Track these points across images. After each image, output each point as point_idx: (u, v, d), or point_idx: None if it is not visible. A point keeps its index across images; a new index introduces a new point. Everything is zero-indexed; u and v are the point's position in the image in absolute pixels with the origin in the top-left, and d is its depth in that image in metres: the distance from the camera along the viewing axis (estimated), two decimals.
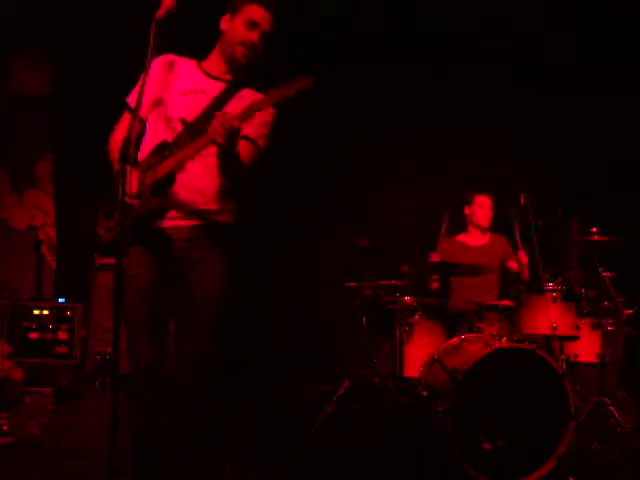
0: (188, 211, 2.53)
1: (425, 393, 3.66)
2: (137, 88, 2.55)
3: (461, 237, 4.97)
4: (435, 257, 4.69)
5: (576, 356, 4.20)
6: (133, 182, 2.45)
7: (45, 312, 5.41)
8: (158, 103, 2.62)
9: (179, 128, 2.53)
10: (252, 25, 2.57)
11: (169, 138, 2.54)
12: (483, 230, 4.89)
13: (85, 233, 5.72)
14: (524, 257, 4.80)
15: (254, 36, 2.58)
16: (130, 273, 2.36)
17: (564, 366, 3.98)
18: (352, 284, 4.69)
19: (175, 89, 2.61)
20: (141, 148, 2.61)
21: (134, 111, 2.42)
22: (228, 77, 2.66)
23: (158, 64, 2.61)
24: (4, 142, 6.16)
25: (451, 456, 3.21)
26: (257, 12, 2.58)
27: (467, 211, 4.92)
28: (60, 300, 5.62)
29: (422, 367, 3.82)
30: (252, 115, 2.37)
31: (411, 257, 4.78)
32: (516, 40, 5.66)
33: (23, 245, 6.11)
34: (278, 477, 3.31)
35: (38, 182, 6.30)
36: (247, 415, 4.31)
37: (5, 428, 3.64)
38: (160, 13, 2.48)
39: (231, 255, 2.66)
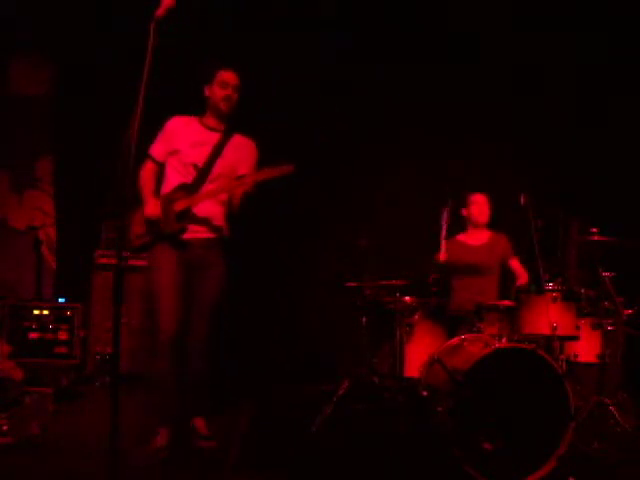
0: (203, 228, 3.65)
1: (425, 393, 3.66)
2: (160, 142, 3.72)
3: (461, 237, 4.97)
4: (442, 256, 4.67)
5: (576, 356, 4.20)
6: (152, 204, 3.60)
7: (45, 312, 5.42)
8: (175, 152, 3.66)
9: (192, 171, 3.64)
10: (224, 85, 3.68)
11: (186, 180, 3.64)
12: (481, 227, 4.89)
13: (85, 233, 5.75)
14: (516, 264, 4.82)
15: (229, 92, 3.67)
16: (160, 266, 3.58)
17: (564, 366, 3.97)
18: (352, 284, 4.69)
19: (187, 142, 3.66)
20: (164, 184, 3.70)
21: (158, 163, 3.71)
22: (222, 127, 3.74)
23: (176, 124, 3.70)
24: (4, 142, 6.16)
25: (451, 456, 3.21)
26: (225, 75, 3.69)
27: (464, 212, 4.94)
28: (60, 300, 5.62)
29: (422, 367, 3.82)
30: (246, 183, 3.53)
31: (411, 257, 4.78)
32: (515, 40, 5.67)
33: (23, 245, 6.12)
34: (279, 477, 3.31)
35: (38, 182, 6.30)
36: (248, 415, 4.31)
37: (5, 428, 3.63)
38: (160, 12, 2.55)
39: (226, 260, 3.75)
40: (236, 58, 5.63)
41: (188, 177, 3.63)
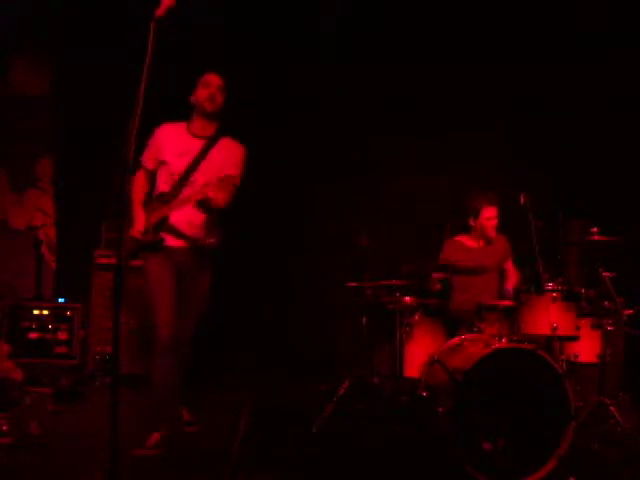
0: (184, 238, 3.65)
1: (425, 393, 3.66)
2: (150, 151, 3.74)
3: (462, 238, 4.94)
4: (437, 276, 4.69)
5: (576, 356, 4.19)
6: (141, 220, 3.64)
7: (45, 312, 5.42)
8: (163, 163, 3.68)
9: (176, 179, 3.63)
10: (207, 85, 3.68)
11: (167, 189, 3.64)
12: (489, 240, 4.80)
13: (85, 233, 5.75)
14: (509, 265, 4.81)
15: (212, 90, 3.66)
16: (155, 278, 3.62)
17: (564, 366, 3.97)
18: (352, 284, 4.68)
19: (173, 152, 3.66)
20: (153, 195, 3.72)
21: (149, 171, 3.76)
22: (209, 132, 3.71)
23: (165, 133, 3.70)
24: (4, 142, 6.16)
25: (451, 456, 3.21)
26: (207, 77, 3.70)
27: (472, 222, 4.73)
28: (60, 300, 5.62)
29: (422, 367, 3.82)
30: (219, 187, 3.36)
31: (411, 257, 4.78)
32: (515, 38, 5.67)
33: (23, 245, 6.11)
34: (278, 477, 3.31)
35: (38, 182, 6.29)
36: (248, 415, 4.30)
37: (5, 428, 3.64)
38: (160, 12, 2.56)
39: (212, 268, 3.76)
40: (235, 59, 5.66)
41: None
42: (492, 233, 4.73)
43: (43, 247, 6.14)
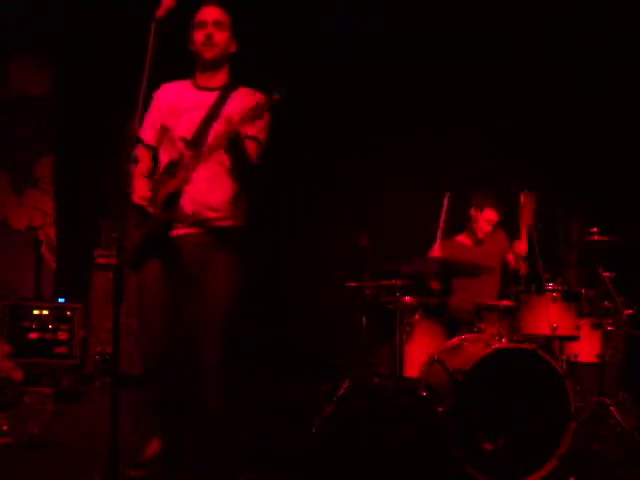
0: (195, 222, 2.88)
1: (425, 393, 3.66)
2: (149, 119, 2.96)
3: (461, 238, 4.96)
4: (436, 252, 4.66)
5: (576, 356, 4.19)
6: (142, 186, 2.83)
7: (45, 312, 5.42)
8: (166, 130, 2.94)
9: (181, 146, 2.84)
10: (200, 25, 2.90)
11: (176, 157, 2.86)
12: (477, 239, 4.86)
13: (85, 233, 5.75)
14: (520, 246, 4.75)
15: (208, 30, 2.87)
16: (143, 283, 2.94)
17: (564, 366, 3.97)
18: (352, 284, 4.68)
19: (175, 112, 2.92)
20: (157, 170, 2.97)
21: (149, 147, 2.89)
22: (219, 83, 2.96)
23: (163, 93, 2.98)
24: (4, 142, 6.16)
25: (451, 456, 3.21)
26: (201, 14, 2.93)
27: (473, 212, 4.84)
28: (60, 300, 5.62)
29: (422, 367, 3.82)
30: (249, 120, 2.63)
31: (411, 257, 4.78)
32: (515, 38, 5.67)
33: (23, 245, 6.11)
34: (278, 477, 3.31)
35: (38, 182, 6.29)
36: (247, 415, 4.31)
37: (5, 428, 3.64)
38: (160, 12, 2.57)
39: (236, 255, 3.01)
40: (235, 59, 5.66)
41: (177, 153, 2.88)
42: (482, 235, 4.81)
43: (43, 247, 6.14)
